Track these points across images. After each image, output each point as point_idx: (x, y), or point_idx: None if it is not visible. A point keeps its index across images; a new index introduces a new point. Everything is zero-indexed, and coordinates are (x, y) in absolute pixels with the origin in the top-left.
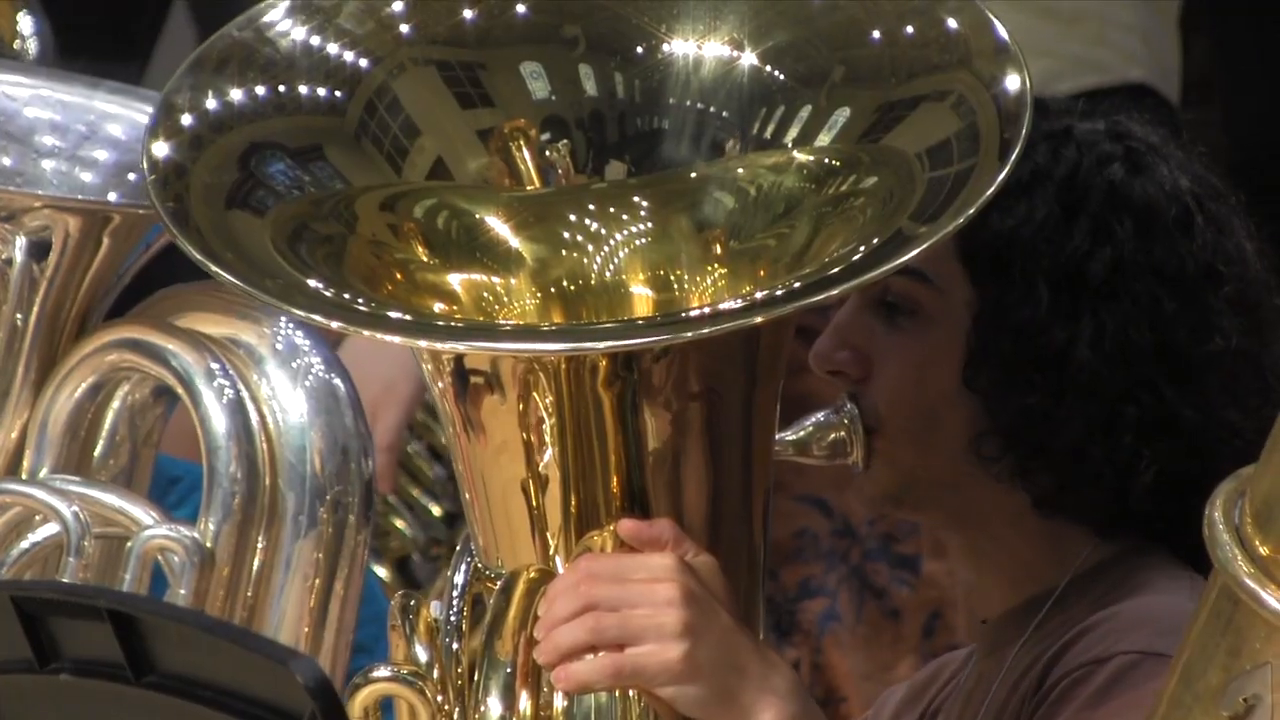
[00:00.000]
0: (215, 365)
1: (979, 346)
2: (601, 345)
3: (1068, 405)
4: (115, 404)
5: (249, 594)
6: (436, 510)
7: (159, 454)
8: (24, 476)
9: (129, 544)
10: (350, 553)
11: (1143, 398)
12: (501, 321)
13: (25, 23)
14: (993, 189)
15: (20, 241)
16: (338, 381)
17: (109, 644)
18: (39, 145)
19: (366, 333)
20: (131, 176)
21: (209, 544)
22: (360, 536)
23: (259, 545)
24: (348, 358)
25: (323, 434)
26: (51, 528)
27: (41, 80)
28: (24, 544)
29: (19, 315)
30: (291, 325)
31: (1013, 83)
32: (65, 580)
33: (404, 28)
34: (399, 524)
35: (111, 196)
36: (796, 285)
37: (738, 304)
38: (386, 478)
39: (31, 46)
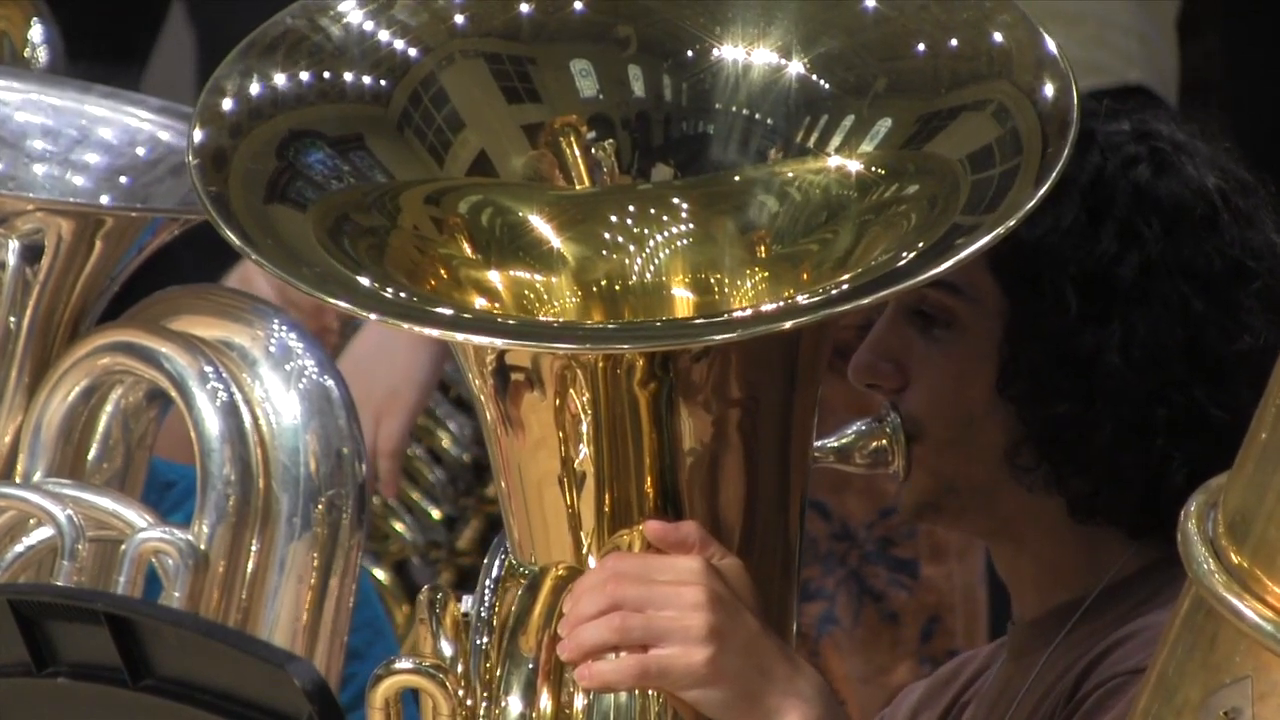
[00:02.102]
0: (209, 368)
1: (1011, 355)
2: (642, 346)
3: (1099, 410)
4: (109, 407)
5: (243, 596)
6: (436, 513)
7: (154, 458)
8: (18, 480)
9: (123, 547)
10: (344, 554)
11: (1173, 399)
12: (547, 318)
13: (36, 31)
14: (1034, 202)
15: (13, 245)
16: (331, 383)
17: (106, 647)
18: (30, 150)
19: (406, 325)
20: (123, 180)
21: (203, 546)
22: (354, 538)
23: (253, 547)
24: (351, 364)
25: (316, 436)
26: (46, 531)
27: (33, 85)
28: (18, 548)
29: (12, 318)
30: (285, 327)
31: (1053, 91)
32: (59, 583)
33: (459, 19)
34: (398, 527)
35: (103, 200)
36: (846, 288)
37: (782, 306)
38: (390, 483)
39: (41, 54)
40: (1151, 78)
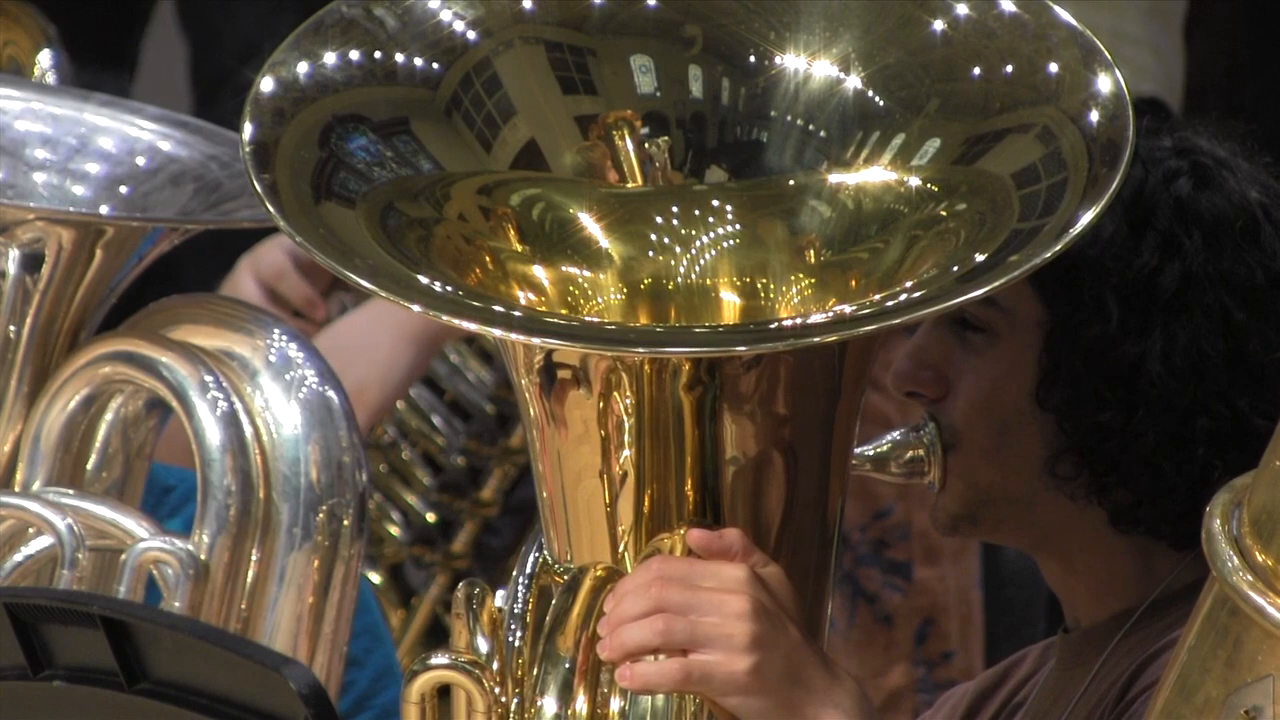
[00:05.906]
0: (209, 378)
1: (1051, 365)
2: (689, 350)
3: (1140, 420)
4: (108, 416)
5: (243, 606)
6: (431, 517)
7: (153, 463)
8: (17, 489)
9: (123, 556)
10: (345, 564)
11: (1214, 409)
12: (613, 321)
13: (45, 56)
14: (1085, 223)
15: (13, 254)
16: (332, 394)
17: (102, 651)
18: (30, 158)
19: (464, 323)
20: (123, 189)
21: (203, 556)
22: (354, 548)
23: (253, 557)
24: (328, 343)
25: (317, 446)
26: (45, 540)
27: (32, 93)
28: (18, 556)
29: (12, 327)
30: (285, 338)
31: (1100, 117)
32: None
33: (527, 4)
34: (393, 531)
35: (103, 209)
36: (903, 299)
37: (833, 316)
38: None
39: (50, 80)
40: (1162, 88)
